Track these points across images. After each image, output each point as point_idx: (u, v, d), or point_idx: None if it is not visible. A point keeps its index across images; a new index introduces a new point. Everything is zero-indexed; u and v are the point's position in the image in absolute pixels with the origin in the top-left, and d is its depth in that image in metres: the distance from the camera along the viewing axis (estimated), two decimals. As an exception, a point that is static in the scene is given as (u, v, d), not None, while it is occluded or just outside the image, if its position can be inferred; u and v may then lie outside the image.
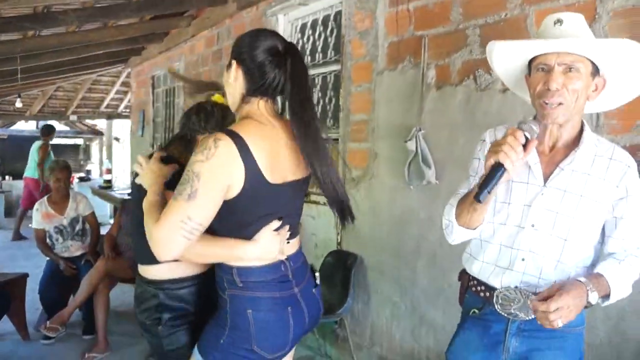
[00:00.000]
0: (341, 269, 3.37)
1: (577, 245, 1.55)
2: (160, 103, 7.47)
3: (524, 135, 1.41)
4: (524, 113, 2.14)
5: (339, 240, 3.60)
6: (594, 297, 1.42)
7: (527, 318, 1.57)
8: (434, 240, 2.82)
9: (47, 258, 4.46)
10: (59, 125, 14.50)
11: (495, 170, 1.39)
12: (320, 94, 3.99)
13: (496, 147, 1.41)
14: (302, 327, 1.65)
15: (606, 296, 1.47)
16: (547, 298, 1.38)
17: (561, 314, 1.35)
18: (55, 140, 14.86)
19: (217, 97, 1.84)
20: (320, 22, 3.95)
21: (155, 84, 7.61)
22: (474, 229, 1.61)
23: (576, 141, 1.55)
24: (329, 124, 3.89)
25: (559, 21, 1.50)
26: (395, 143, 3.04)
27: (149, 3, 4.90)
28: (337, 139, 3.65)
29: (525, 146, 1.41)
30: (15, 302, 4.09)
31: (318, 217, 3.93)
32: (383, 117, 3.18)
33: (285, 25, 4.30)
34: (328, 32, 3.87)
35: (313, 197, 4.01)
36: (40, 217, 4.43)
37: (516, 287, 1.59)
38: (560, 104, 1.46)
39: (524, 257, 1.57)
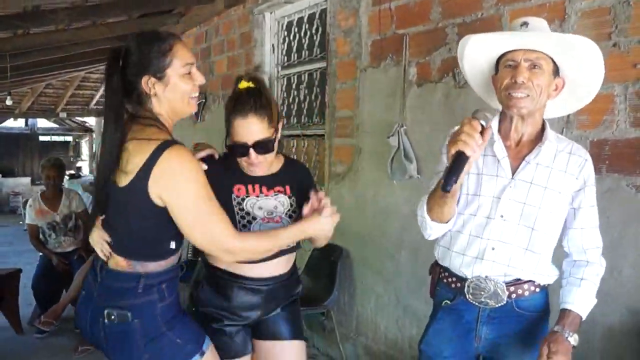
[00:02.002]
0: (327, 262, 3.46)
1: (543, 233, 1.65)
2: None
3: (480, 123, 1.49)
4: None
5: (325, 234, 3.69)
6: (574, 339, 1.58)
7: (496, 305, 1.68)
8: (417, 233, 2.85)
9: (40, 254, 4.53)
10: (48, 123, 14.51)
11: (458, 159, 1.47)
12: (306, 91, 4.07)
13: (455, 137, 1.49)
14: None
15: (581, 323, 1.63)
16: None
17: None
18: (44, 138, 14.94)
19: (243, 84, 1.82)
20: (305, 20, 4.03)
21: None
22: (447, 222, 1.69)
23: (539, 137, 1.66)
24: (315, 120, 3.98)
25: (525, 24, 1.62)
26: (379, 139, 3.13)
27: (137, 1, 4.95)
28: (323, 135, 3.74)
29: (481, 133, 1.49)
30: (9, 298, 4.16)
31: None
32: (367, 114, 3.27)
33: (272, 22, 4.38)
34: (314, 30, 3.95)
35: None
36: (33, 213, 4.51)
37: (486, 276, 1.68)
38: (527, 95, 1.57)
39: (494, 247, 1.67)
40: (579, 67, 1.60)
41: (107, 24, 5.82)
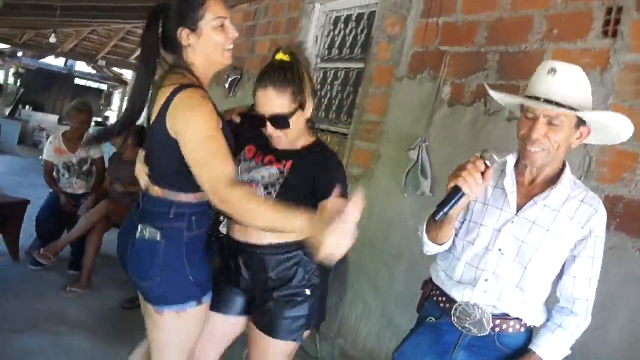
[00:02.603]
0: (324, 259, 3.47)
1: (535, 274, 1.64)
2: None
3: (485, 163, 1.50)
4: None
5: (328, 231, 3.70)
6: None
7: (479, 334, 1.68)
8: (417, 249, 2.88)
9: (51, 191, 4.62)
10: (86, 68, 14.72)
11: (454, 193, 1.50)
12: (339, 88, 4.08)
13: (457, 171, 1.51)
14: None
15: None
16: None
17: None
18: (80, 82, 15.15)
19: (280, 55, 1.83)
20: (354, 18, 4.04)
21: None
22: (441, 245, 1.73)
23: (555, 178, 1.64)
24: (342, 118, 3.99)
25: (553, 71, 1.55)
26: (400, 149, 3.13)
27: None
28: (346, 135, 3.74)
29: (484, 173, 1.50)
30: (12, 225, 4.26)
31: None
32: (393, 123, 3.27)
33: (320, 14, 4.39)
34: (359, 30, 3.95)
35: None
36: (52, 150, 4.59)
37: (475, 303, 1.68)
38: (542, 150, 1.56)
39: (487, 278, 1.67)
40: (606, 129, 1.59)
41: (161, -18, 5.89)
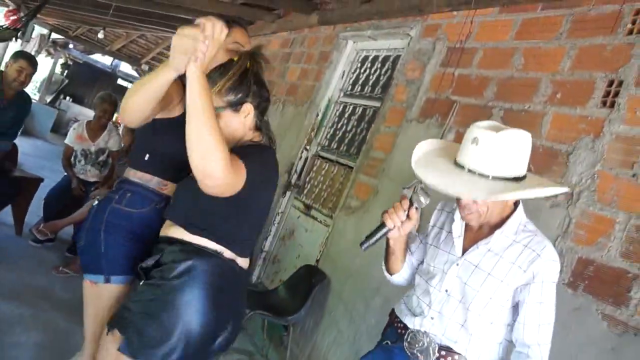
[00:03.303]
0: (307, 283, 3.52)
1: (477, 315, 1.69)
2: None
3: (411, 202, 1.63)
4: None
5: (318, 258, 3.77)
6: None
7: None
8: (393, 286, 2.94)
9: (64, 174, 4.79)
10: (129, 69, 15.21)
11: (380, 228, 1.65)
12: (355, 123, 4.19)
13: (388, 208, 1.64)
14: None
15: None
16: None
17: None
18: (122, 82, 15.63)
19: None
20: (380, 59, 4.18)
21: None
22: (392, 274, 1.91)
23: (501, 224, 1.70)
24: (352, 151, 4.09)
25: (475, 140, 1.60)
26: (398, 187, 3.19)
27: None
28: (352, 168, 3.84)
29: (409, 212, 1.64)
30: (22, 199, 4.42)
31: (311, 231, 4.11)
32: (396, 161, 3.35)
33: (351, 51, 4.54)
34: (383, 71, 4.09)
35: (313, 212, 4.20)
36: (74, 136, 4.79)
37: (425, 331, 1.74)
38: (473, 213, 1.65)
39: (432, 317, 1.75)
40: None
41: None
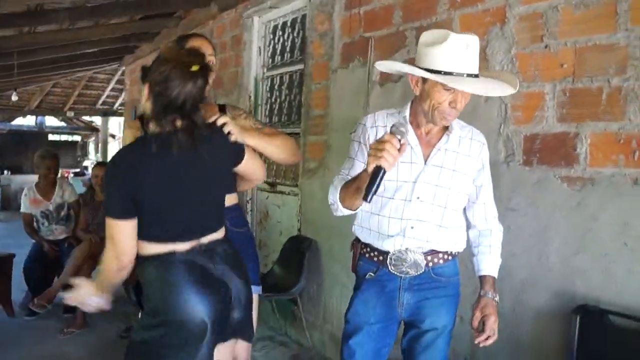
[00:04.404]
0: (297, 253, 3.64)
1: (453, 210, 1.86)
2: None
3: (397, 139, 1.59)
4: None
5: (299, 227, 3.87)
6: (497, 297, 1.91)
7: (416, 273, 1.85)
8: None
9: (33, 241, 4.75)
10: (56, 122, 14.84)
11: (378, 173, 1.57)
12: (287, 91, 4.26)
13: (375, 152, 1.56)
14: None
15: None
16: (477, 323, 1.87)
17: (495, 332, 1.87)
18: (53, 137, 15.28)
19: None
20: (289, 24, 4.23)
21: (147, 82, 7.87)
22: (356, 209, 1.83)
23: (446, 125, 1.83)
24: (293, 119, 4.17)
25: (468, 46, 1.68)
26: (346, 136, 3.29)
27: (136, 3, 5.18)
28: (298, 133, 3.92)
29: (399, 148, 1.61)
30: (1, 280, 4.37)
31: (283, 206, 4.20)
32: (336, 112, 3.46)
33: (259, 26, 4.58)
34: (295, 34, 4.15)
35: (279, 187, 4.29)
36: (28, 202, 4.73)
37: (407, 248, 1.85)
38: (451, 115, 1.76)
39: (413, 225, 1.84)
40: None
41: (109, 25, 6.07)
